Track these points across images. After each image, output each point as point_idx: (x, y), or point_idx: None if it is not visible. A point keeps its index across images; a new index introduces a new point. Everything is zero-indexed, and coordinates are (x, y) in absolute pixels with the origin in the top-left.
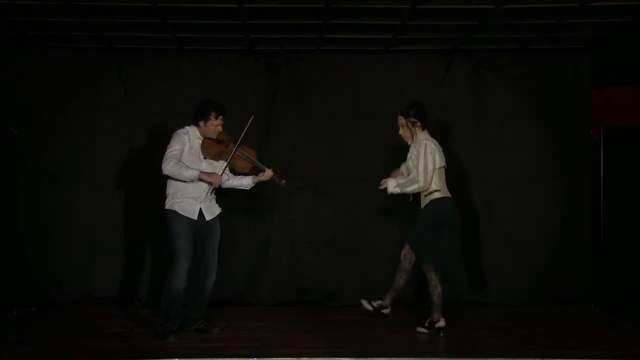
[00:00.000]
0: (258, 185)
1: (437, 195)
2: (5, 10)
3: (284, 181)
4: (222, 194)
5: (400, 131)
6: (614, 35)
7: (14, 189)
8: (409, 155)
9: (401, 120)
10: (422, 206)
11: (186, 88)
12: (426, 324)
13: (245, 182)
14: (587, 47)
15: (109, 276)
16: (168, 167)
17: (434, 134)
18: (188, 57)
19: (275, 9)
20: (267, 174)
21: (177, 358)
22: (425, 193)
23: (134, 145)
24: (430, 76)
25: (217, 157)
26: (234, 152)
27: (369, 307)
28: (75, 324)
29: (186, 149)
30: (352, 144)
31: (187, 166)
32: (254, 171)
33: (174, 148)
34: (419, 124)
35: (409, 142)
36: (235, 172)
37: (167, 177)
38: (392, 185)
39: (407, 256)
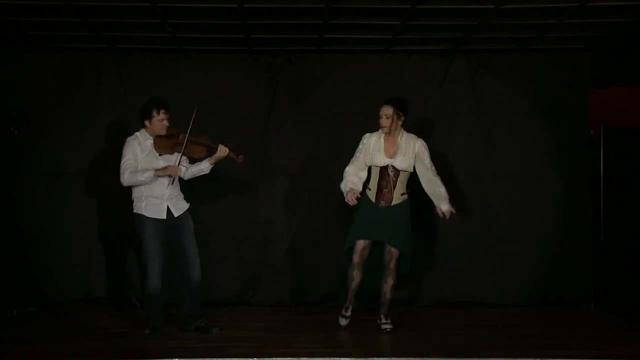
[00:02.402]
0: (257, 183)
1: (406, 195)
2: (5, 10)
3: (241, 156)
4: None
5: (384, 121)
6: (614, 35)
7: (13, 189)
8: (412, 153)
9: (389, 110)
10: (392, 204)
11: (186, 88)
12: (390, 321)
13: (203, 167)
14: (587, 47)
15: (108, 276)
16: (125, 179)
17: (434, 134)
18: (188, 57)
19: (275, 9)
20: (222, 150)
21: (177, 358)
22: (402, 192)
23: None
24: (430, 76)
25: (171, 151)
26: (186, 140)
27: (390, 326)
28: (75, 324)
29: (139, 152)
30: (352, 143)
31: (142, 171)
32: (211, 154)
33: (126, 158)
34: (402, 118)
35: (383, 131)
36: (194, 160)
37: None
38: (447, 207)
39: (388, 259)
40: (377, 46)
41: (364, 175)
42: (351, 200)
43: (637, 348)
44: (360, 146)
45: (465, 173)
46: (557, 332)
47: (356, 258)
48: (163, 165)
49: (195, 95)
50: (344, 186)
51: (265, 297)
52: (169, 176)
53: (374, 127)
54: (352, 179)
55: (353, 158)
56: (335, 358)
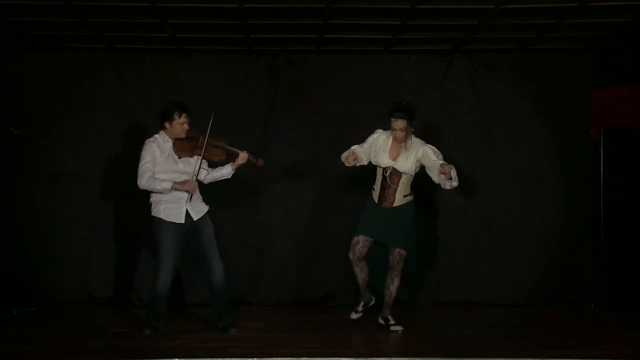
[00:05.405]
0: (257, 183)
1: (410, 197)
2: (5, 10)
3: (260, 160)
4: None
5: (399, 134)
6: (614, 35)
7: (13, 189)
8: (414, 158)
9: (403, 124)
10: (394, 205)
11: (186, 88)
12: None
13: (225, 172)
14: (587, 47)
15: (108, 276)
16: (143, 183)
17: (434, 134)
18: (188, 57)
19: (275, 9)
20: (243, 156)
21: (177, 358)
22: (405, 194)
23: (133, 145)
24: (430, 76)
25: (190, 154)
26: (205, 144)
27: (400, 327)
28: (75, 324)
29: (158, 155)
30: (352, 143)
31: (160, 179)
32: (231, 158)
33: (145, 161)
34: (414, 124)
35: (398, 142)
36: (213, 163)
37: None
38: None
39: (397, 260)
40: (377, 46)
41: (365, 160)
42: (349, 159)
43: (637, 348)
44: (369, 137)
45: (465, 173)
46: (557, 332)
47: (350, 254)
48: (182, 168)
49: (195, 95)
50: (345, 153)
51: (265, 297)
52: (187, 191)
53: (373, 127)
54: (355, 149)
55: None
56: (335, 358)
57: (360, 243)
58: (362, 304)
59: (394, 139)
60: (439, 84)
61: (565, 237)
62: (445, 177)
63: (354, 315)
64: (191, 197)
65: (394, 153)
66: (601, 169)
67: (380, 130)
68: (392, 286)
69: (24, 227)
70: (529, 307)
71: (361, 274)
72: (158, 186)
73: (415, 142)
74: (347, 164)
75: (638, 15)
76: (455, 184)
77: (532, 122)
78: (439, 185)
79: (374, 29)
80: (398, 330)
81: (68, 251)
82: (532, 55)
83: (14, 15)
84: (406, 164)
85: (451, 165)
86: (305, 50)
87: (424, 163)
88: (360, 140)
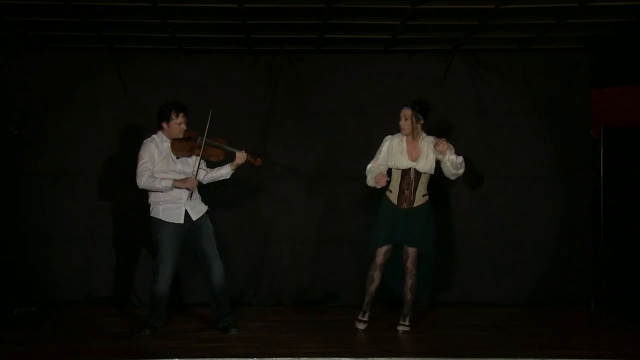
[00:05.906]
0: (257, 183)
1: (427, 196)
2: (5, 10)
3: (259, 159)
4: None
5: (402, 122)
6: (614, 35)
7: (14, 189)
8: (433, 157)
9: (408, 112)
10: (414, 206)
11: (186, 88)
12: (407, 322)
13: (224, 172)
14: (587, 47)
15: (108, 276)
16: (142, 182)
17: (434, 134)
18: (188, 57)
19: (275, 9)
20: (241, 156)
21: (177, 358)
22: (424, 193)
23: (133, 145)
24: (430, 76)
25: (188, 154)
26: (204, 144)
27: (404, 327)
28: (75, 324)
29: (156, 155)
30: (352, 143)
31: (160, 177)
32: (229, 158)
33: (144, 160)
34: (422, 121)
35: (402, 133)
36: (211, 163)
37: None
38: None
39: (412, 262)
40: (377, 46)
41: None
42: (380, 181)
43: (637, 348)
44: (381, 147)
45: (465, 173)
46: (557, 332)
47: (379, 259)
48: (180, 167)
49: (195, 95)
50: (370, 178)
51: (265, 297)
52: (187, 189)
53: (373, 127)
54: (375, 169)
55: (374, 158)
56: (335, 358)
57: (389, 250)
58: (367, 313)
59: (401, 130)
60: (439, 84)
61: (565, 237)
62: (441, 152)
63: (362, 326)
64: (191, 195)
65: (412, 154)
66: (601, 169)
67: (389, 136)
68: (405, 286)
69: (25, 227)
70: (529, 307)
71: (377, 280)
72: (159, 184)
73: (429, 139)
74: (379, 186)
75: (638, 15)
76: (461, 168)
77: (532, 122)
78: (439, 185)
79: (374, 29)
80: (399, 330)
81: (68, 251)
82: (532, 55)
83: (14, 15)
84: (427, 163)
85: (443, 139)
86: (305, 50)
87: (439, 159)
88: (360, 140)
